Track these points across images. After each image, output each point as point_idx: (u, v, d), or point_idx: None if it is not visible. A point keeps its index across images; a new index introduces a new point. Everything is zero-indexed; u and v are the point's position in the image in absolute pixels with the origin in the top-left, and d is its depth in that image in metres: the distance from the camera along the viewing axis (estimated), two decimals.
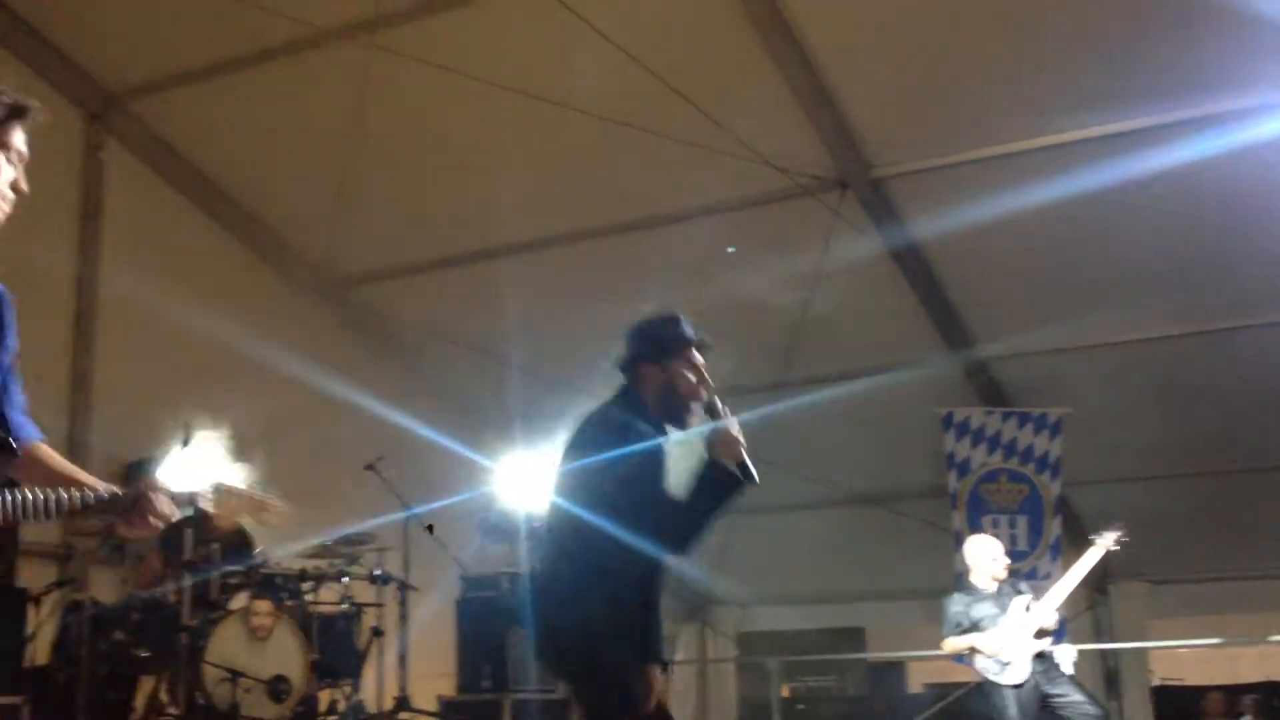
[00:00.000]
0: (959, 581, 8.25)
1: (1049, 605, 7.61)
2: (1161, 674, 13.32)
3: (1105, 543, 7.72)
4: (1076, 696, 7.46)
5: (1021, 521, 10.93)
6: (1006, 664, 7.51)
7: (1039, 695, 7.49)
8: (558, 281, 10.57)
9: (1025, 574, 10.40)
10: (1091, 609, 12.17)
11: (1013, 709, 7.47)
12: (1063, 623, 8.35)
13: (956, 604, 7.81)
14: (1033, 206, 8.49)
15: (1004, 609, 7.65)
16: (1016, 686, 7.49)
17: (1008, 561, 7.93)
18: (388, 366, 11.24)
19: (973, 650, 7.65)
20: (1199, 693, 13.34)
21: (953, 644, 7.79)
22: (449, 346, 10.86)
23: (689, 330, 4.37)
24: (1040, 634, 7.56)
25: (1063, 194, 8.47)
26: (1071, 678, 7.80)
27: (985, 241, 9.23)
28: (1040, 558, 10.82)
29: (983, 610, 7.70)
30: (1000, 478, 11.03)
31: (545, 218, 10.05)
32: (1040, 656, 7.56)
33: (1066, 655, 8.73)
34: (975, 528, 10.21)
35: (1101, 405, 10.81)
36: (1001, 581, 7.82)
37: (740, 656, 13.98)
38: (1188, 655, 14.43)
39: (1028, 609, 7.61)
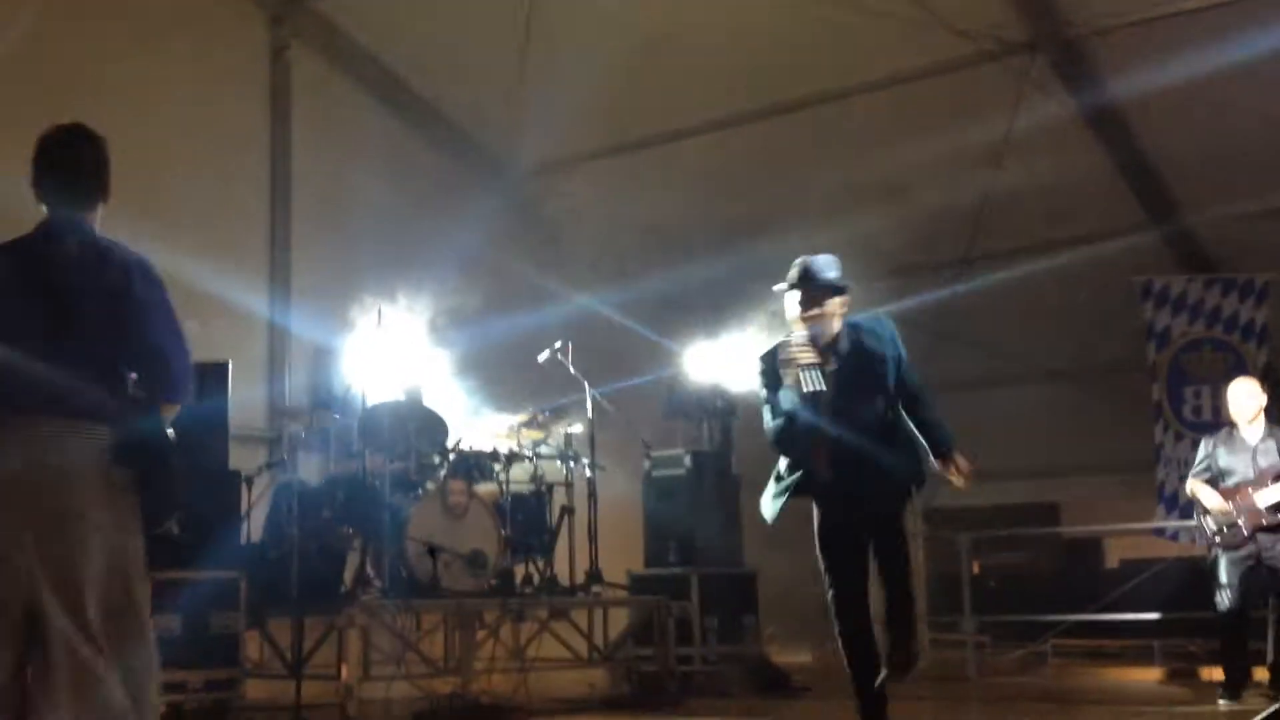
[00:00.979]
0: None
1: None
2: None
3: None
4: None
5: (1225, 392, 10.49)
6: (1230, 526, 6.90)
7: (1265, 573, 6.87)
8: (739, 163, 10.48)
9: None
10: None
11: (1228, 579, 6.91)
12: None
13: (1206, 444, 7.20)
14: (1241, 62, 7.98)
15: (1260, 467, 6.88)
16: (1236, 556, 6.89)
17: (1263, 403, 7.07)
18: (571, 252, 11.39)
19: (1199, 503, 7.06)
20: None
21: (1190, 485, 7.18)
22: (630, 231, 10.92)
23: None
24: (1276, 508, 6.78)
25: (1274, 47, 7.93)
26: (1257, 572, 6.96)
27: (1189, 102, 8.74)
28: None
29: (1233, 460, 7.01)
30: (1203, 348, 10.57)
31: (726, 97, 9.94)
32: (1275, 530, 6.82)
33: None
34: (1176, 400, 9.83)
35: None
36: (1271, 436, 6.97)
37: (929, 532, 13.89)
38: None
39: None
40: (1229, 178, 9.66)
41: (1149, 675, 9.41)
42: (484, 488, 7.98)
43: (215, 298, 8.68)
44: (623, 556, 9.21)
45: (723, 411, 10.12)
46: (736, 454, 9.92)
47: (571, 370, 8.47)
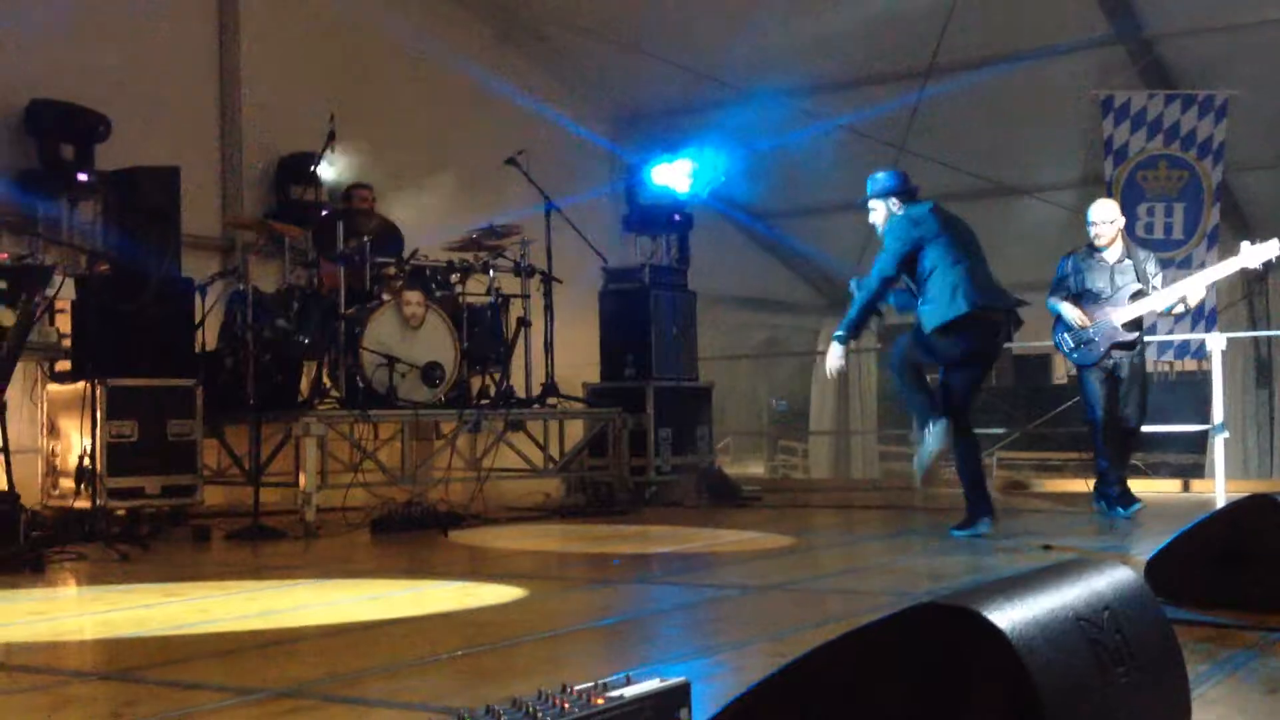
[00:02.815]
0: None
1: (1167, 298, 7.05)
2: None
3: (1254, 255, 6.85)
4: (1129, 401, 7.11)
5: (1178, 209, 10.53)
6: (1086, 342, 7.12)
7: (1114, 384, 7.12)
8: None
9: (1178, 262, 10.13)
10: (1248, 298, 11.83)
11: (1092, 389, 7.15)
12: (1212, 311, 7.99)
13: (1069, 264, 7.32)
14: None
15: (1118, 286, 7.13)
16: (1085, 366, 7.16)
17: (1121, 225, 7.28)
18: (530, 60, 11.14)
19: (1058, 319, 7.24)
20: None
21: (1051, 302, 7.33)
22: (593, 40, 10.65)
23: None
24: (1132, 325, 7.07)
25: None
26: (1138, 381, 7.21)
27: None
28: (1196, 246, 10.47)
29: (1096, 280, 7.18)
30: (1159, 164, 10.57)
31: None
32: (1127, 347, 7.09)
33: (1216, 344, 8.37)
34: (1130, 216, 9.83)
35: (1272, 86, 10.15)
36: (1128, 256, 7.21)
37: (882, 348, 14.09)
38: None
39: (1140, 294, 7.08)
40: None
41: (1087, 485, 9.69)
42: (440, 298, 7.96)
43: (163, 100, 8.48)
44: (579, 370, 9.29)
45: (680, 225, 10.09)
46: (693, 269, 9.93)
47: (530, 180, 8.37)
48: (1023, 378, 13.66)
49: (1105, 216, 7.26)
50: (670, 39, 10.50)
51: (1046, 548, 5.53)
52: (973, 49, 10.37)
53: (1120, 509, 7.14)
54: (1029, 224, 11.67)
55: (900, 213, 6.30)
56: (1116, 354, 7.15)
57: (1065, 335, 7.26)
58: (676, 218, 10.07)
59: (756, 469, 14.01)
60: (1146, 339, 7.74)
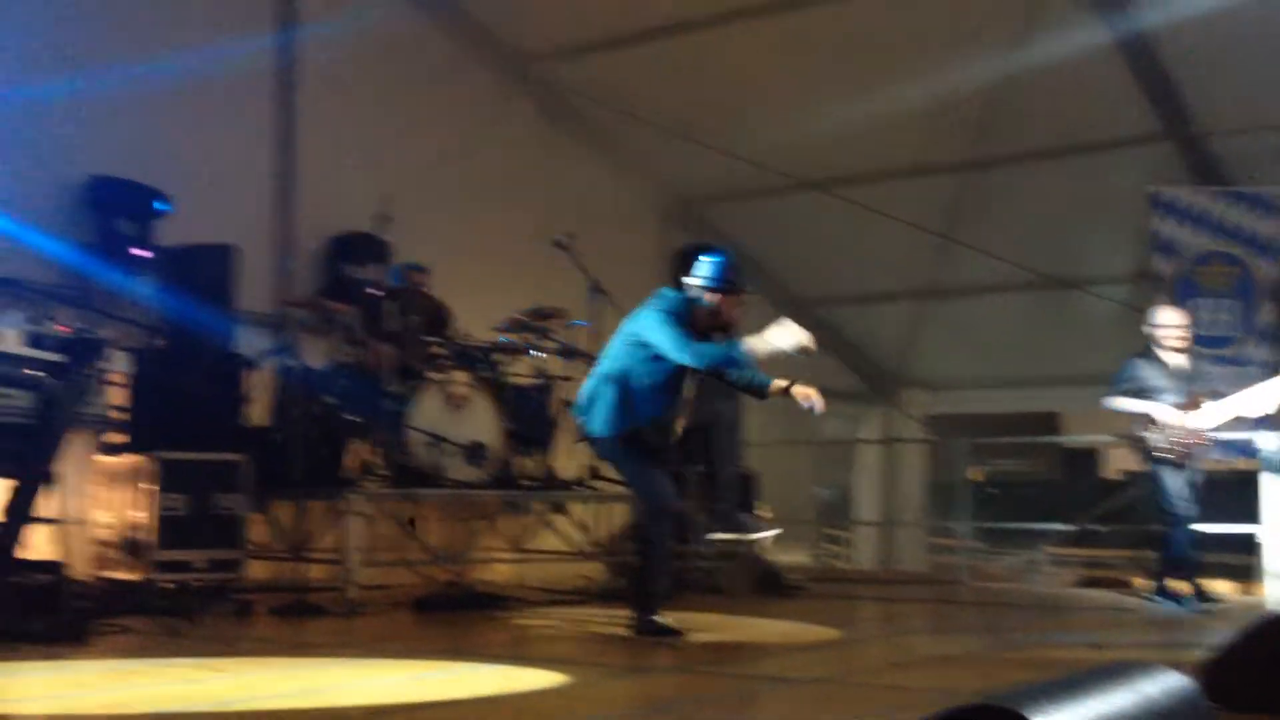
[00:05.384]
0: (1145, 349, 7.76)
1: (1227, 410, 7.25)
2: None
3: None
4: (1196, 499, 7.33)
5: (1231, 305, 10.45)
6: (1181, 441, 7.27)
7: (1190, 482, 7.33)
8: (745, 54, 10.31)
9: (1231, 359, 10.04)
10: None
11: (1174, 485, 7.29)
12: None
13: (1134, 366, 7.51)
14: None
15: (1185, 388, 7.34)
16: (1166, 464, 7.29)
17: (1190, 338, 7.58)
18: (579, 144, 11.29)
19: (1145, 419, 7.35)
20: None
21: (1121, 402, 7.46)
22: (641, 125, 10.79)
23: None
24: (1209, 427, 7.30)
25: None
26: (1195, 488, 7.43)
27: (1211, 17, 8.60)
28: (1250, 343, 10.37)
29: (1163, 381, 7.38)
30: (1212, 260, 10.52)
31: None
32: (1200, 450, 7.36)
33: (1267, 443, 8.31)
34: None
35: None
36: (1186, 363, 7.47)
37: (928, 439, 14.00)
38: None
39: (1212, 396, 7.31)
40: (1246, 89, 9.52)
41: (1143, 587, 9.52)
42: (485, 379, 8.00)
43: (221, 180, 8.64)
44: None
45: None
46: None
47: (577, 263, 8.43)
48: (1071, 472, 13.51)
49: (1175, 321, 7.55)
50: (719, 125, 10.61)
51: (1098, 648, 5.42)
52: (1021, 141, 10.43)
53: (1187, 602, 7.17)
54: (1079, 317, 11.62)
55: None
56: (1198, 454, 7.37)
57: (1155, 433, 7.33)
58: None
59: (800, 558, 13.86)
60: None
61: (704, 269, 5.91)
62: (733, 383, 5.78)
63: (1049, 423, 13.76)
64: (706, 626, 6.79)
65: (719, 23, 9.99)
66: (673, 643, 5.64)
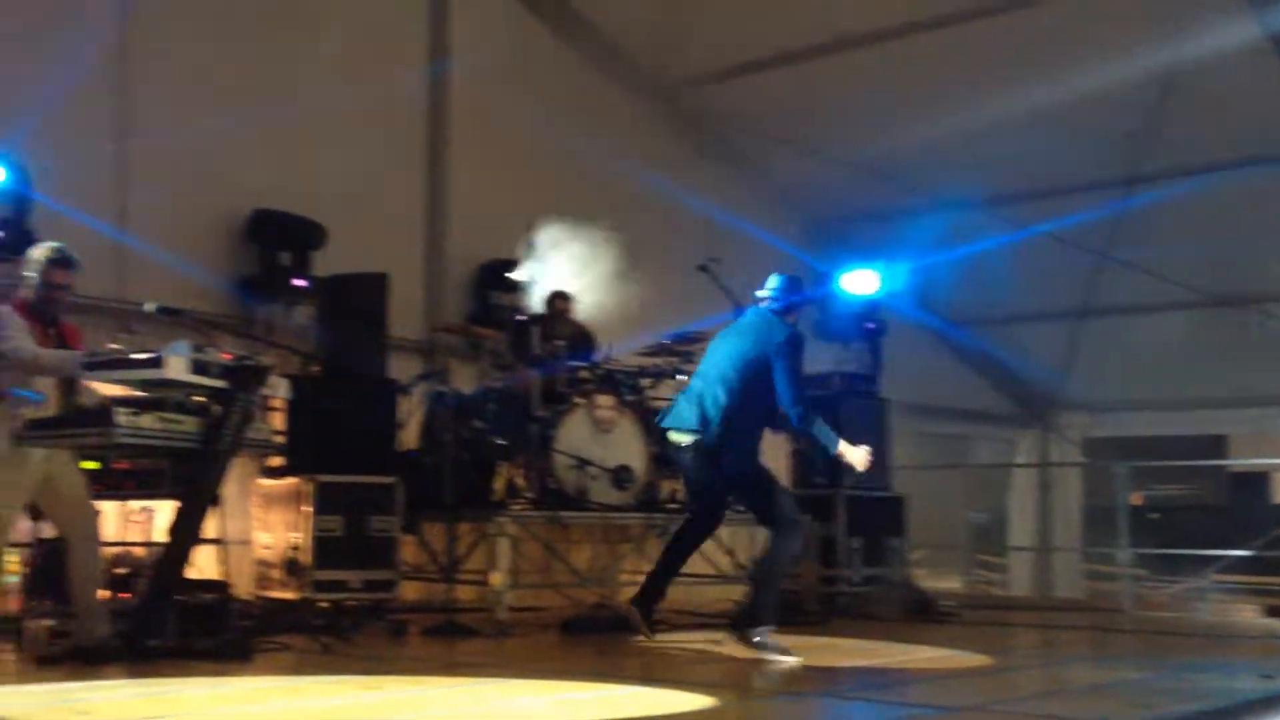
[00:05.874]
0: None
1: None
2: None
3: None
4: None
5: None
6: None
7: None
8: (898, 77, 10.21)
9: None
10: None
11: None
12: None
13: None
14: None
15: None
16: None
17: None
18: (721, 168, 11.32)
19: None
20: None
21: None
22: (783, 147, 10.78)
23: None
24: None
25: None
26: None
27: None
28: None
29: None
30: None
31: (883, 8, 9.69)
32: None
33: None
34: None
35: None
36: None
37: (1086, 462, 13.60)
38: None
39: None
40: None
41: None
42: (631, 403, 8.05)
43: (375, 210, 8.90)
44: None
45: (871, 332, 9.99)
46: (885, 377, 9.80)
47: (721, 287, 8.43)
48: (1240, 497, 12.96)
49: None
50: (862, 146, 10.53)
51: (1269, 679, 5.18)
52: (1181, 157, 10.09)
53: None
54: (1249, 337, 11.18)
55: None
56: None
57: None
58: (869, 325, 9.98)
59: (952, 584, 13.56)
60: None
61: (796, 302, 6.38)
62: (811, 439, 6.29)
63: (1215, 445, 13.22)
64: (855, 651, 6.70)
65: (862, 44, 9.93)
66: (787, 663, 5.62)
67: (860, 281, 9.78)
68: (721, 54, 10.43)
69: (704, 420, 6.10)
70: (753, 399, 6.09)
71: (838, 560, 8.79)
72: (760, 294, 6.44)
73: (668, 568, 6.46)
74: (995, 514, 14.27)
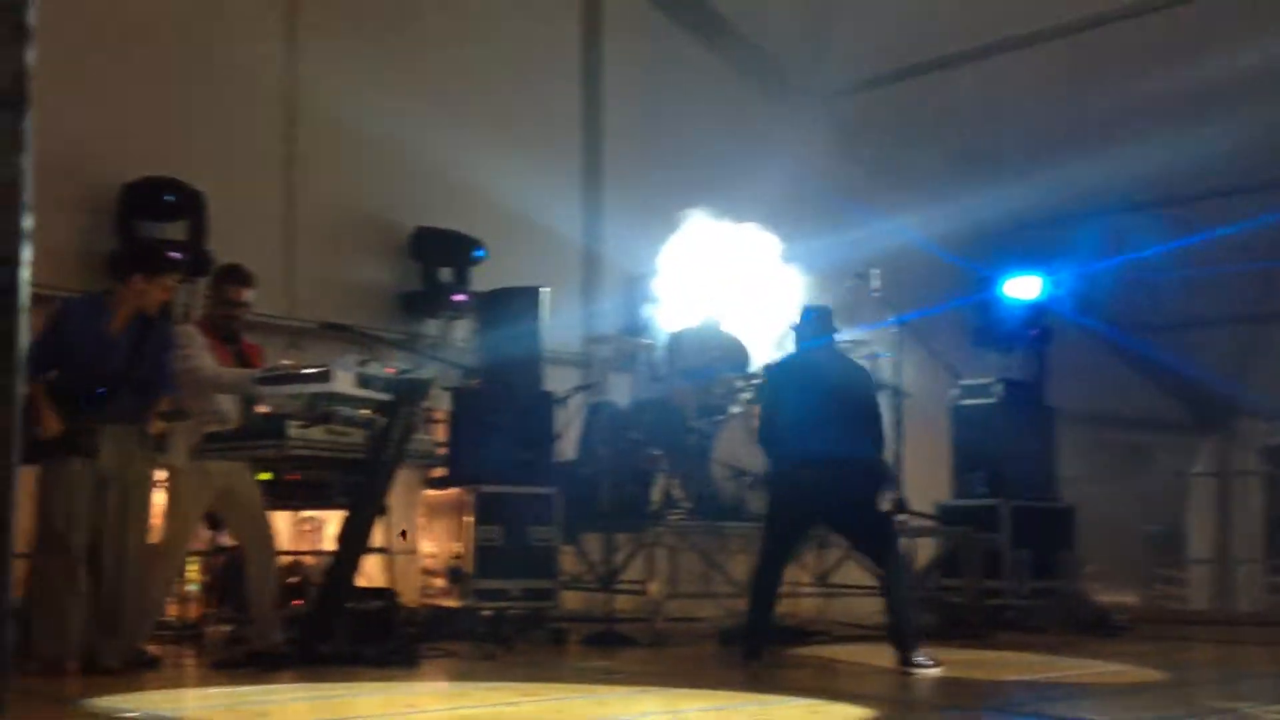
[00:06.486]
0: None
1: None
2: None
3: None
4: None
5: None
6: None
7: None
8: (1058, 79, 9.95)
9: None
10: None
11: None
12: None
13: None
14: None
15: None
16: None
17: None
18: (876, 175, 11.18)
19: None
20: None
21: None
22: (942, 156, 10.61)
23: None
24: None
25: None
26: None
27: None
28: None
29: None
30: None
31: (1037, 9, 9.46)
32: None
33: None
34: None
35: None
36: None
37: (1268, 469, 12.99)
38: None
39: None
40: None
41: None
42: None
43: (532, 224, 9.06)
44: (929, 487, 9.06)
45: (1036, 339, 9.74)
46: (1051, 384, 9.54)
47: (876, 296, 8.35)
48: None
49: None
50: (1025, 153, 10.28)
51: None
52: None
53: None
54: None
55: None
56: None
57: None
58: (1032, 331, 9.74)
59: (1128, 598, 13.10)
60: None
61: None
62: None
63: None
64: (1021, 665, 6.53)
65: (1020, 46, 9.70)
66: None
67: (1023, 287, 9.56)
68: (874, 60, 10.31)
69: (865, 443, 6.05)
70: None
71: (1002, 572, 8.58)
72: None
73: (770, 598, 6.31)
74: (1173, 525, 13.75)
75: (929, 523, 8.67)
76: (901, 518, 8.28)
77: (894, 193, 11.19)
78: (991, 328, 9.90)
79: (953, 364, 9.03)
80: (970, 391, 9.17)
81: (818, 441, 5.85)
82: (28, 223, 0.67)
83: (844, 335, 8.16)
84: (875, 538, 6.11)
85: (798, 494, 5.93)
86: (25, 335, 0.67)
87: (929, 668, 5.58)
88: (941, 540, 8.62)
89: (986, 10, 9.51)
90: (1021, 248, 10.89)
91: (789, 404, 6.05)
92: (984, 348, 10.05)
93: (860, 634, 7.74)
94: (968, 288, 10.82)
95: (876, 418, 6.09)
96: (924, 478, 8.98)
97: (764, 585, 6.11)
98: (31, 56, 0.69)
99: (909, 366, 8.51)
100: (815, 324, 6.28)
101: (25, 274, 0.66)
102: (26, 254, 0.67)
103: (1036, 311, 9.65)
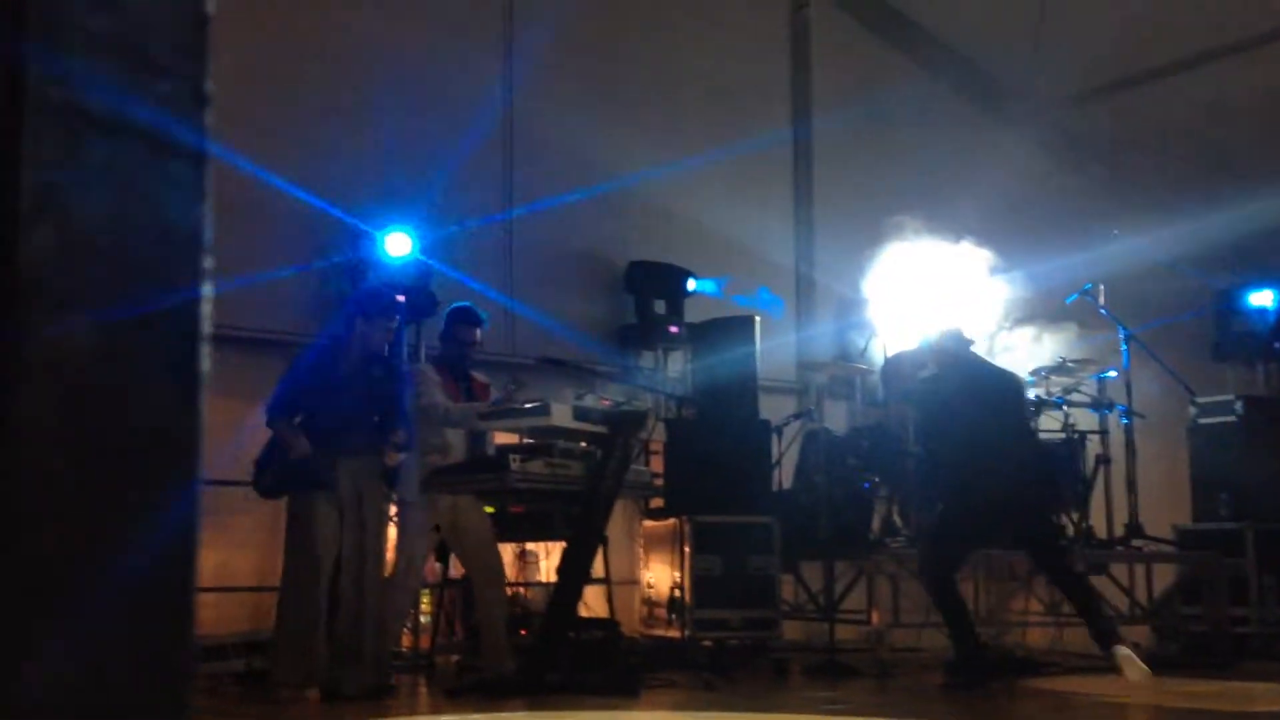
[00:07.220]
0: None
1: None
2: None
3: None
4: None
5: None
6: None
7: None
8: None
9: None
10: None
11: None
12: None
13: None
14: None
15: None
16: None
17: None
18: (1101, 186, 10.79)
19: None
20: None
21: None
22: (1168, 162, 10.16)
23: None
24: None
25: None
26: None
27: None
28: None
29: None
30: None
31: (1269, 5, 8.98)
32: None
33: None
34: None
35: None
36: None
37: None
38: None
39: None
40: None
41: None
42: None
43: (746, 252, 9.10)
44: (1167, 510, 8.64)
45: None
46: None
47: (1103, 312, 8.04)
48: None
49: None
50: (1256, 159, 9.75)
51: None
52: None
53: None
54: None
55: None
56: None
57: None
58: (1278, 344, 9.20)
59: None
60: None
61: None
62: None
63: None
64: (1274, 697, 6.16)
65: (1244, 48, 9.22)
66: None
67: (1265, 299, 9.06)
68: (1092, 70, 9.97)
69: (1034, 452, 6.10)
70: None
71: (1248, 599, 8.10)
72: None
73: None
74: None
75: (1167, 548, 8.27)
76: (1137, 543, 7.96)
77: (1118, 204, 10.77)
78: (1231, 341, 9.41)
79: (1188, 381, 8.59)
80: (1209, 410, 8.72)
81: (998, 453, 5.91)
82: (208, 263, 0.74)
83: (1070, 352, 7.93)
84: (1054, 549, 6.13)
85: (985, 506, 5.88)
86: (205, 370, 0.74)
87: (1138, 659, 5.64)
88: (1181, 567, 8.20)
89: (1207, 15, 9.08)
90: (1259, 259, 10.33)
91: (962, 416, 6.03)
92: (1218, 361, 9.55)
93: (1094, 665, 7.43)
94: (1199, 301, 10.32)
95: (1033, 427, 6.20)
96: (1161, 500, 8.57)
97: (959, 608, 6.11)
98: (209, 117, 0.75)
99: (1140, 383, 8.15)
100: (959, 339, 6.31)
101: (206, 309, 0.74)
102: (207, 290, 0.74)
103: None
